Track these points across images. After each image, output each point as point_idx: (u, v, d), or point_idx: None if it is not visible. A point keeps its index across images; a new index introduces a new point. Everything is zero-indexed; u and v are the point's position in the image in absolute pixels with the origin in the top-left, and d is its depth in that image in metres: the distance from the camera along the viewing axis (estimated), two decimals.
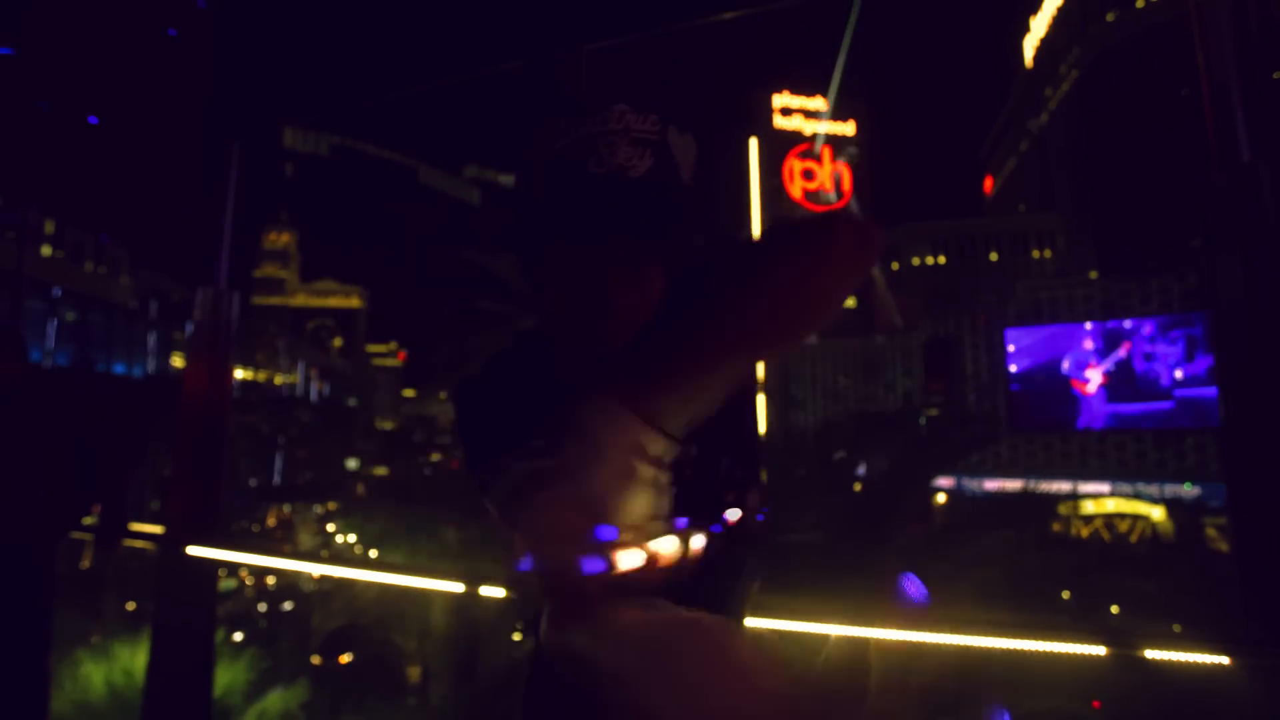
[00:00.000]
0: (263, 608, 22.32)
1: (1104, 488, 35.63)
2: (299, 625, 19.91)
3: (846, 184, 56.94)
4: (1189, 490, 33.34)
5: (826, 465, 9.78)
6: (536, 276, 0.77)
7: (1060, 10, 56.76)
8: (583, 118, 0.71)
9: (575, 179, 0.69)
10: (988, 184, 74.30)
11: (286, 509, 36.83)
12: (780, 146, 55.83)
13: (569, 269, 0.73)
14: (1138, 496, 34.51)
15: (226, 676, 6.98)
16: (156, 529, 2.49)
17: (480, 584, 1.93)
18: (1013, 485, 36.99)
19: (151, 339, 37.67)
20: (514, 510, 0.62)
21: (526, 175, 0.74)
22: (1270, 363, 1.30)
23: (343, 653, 14.50)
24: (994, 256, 61.01)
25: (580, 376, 0.68)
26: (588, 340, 0.74)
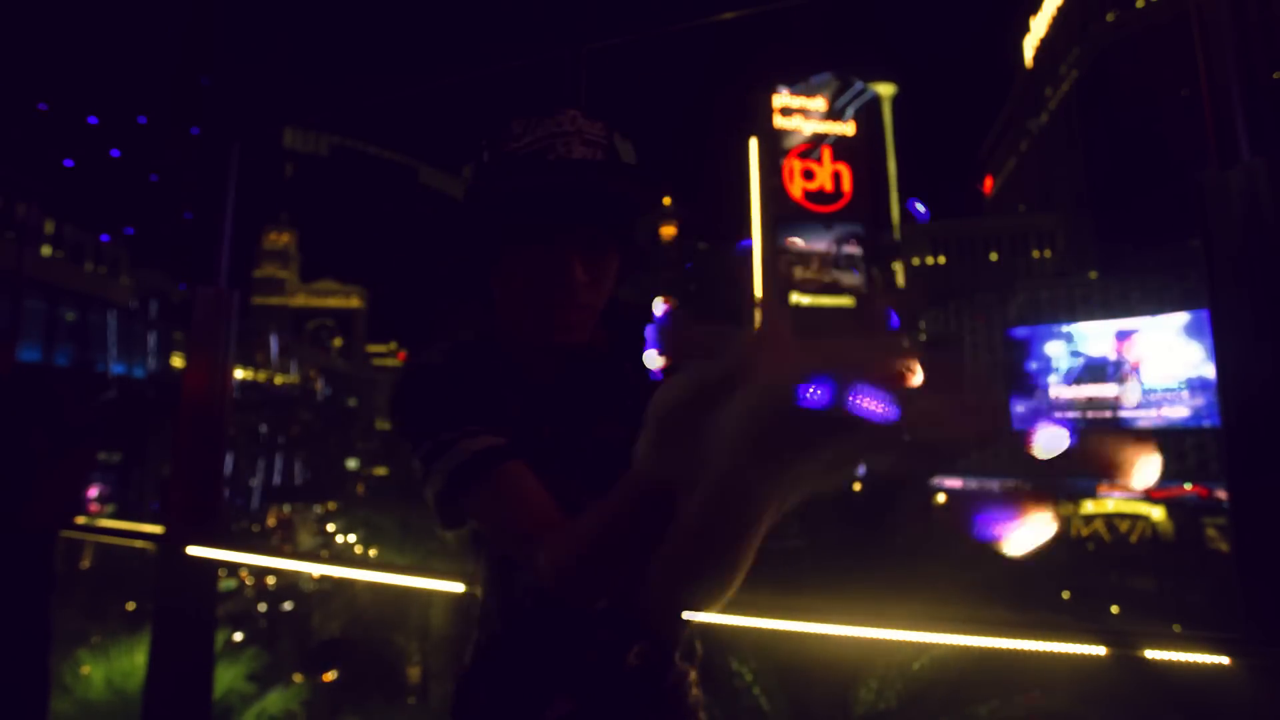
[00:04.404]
0: (263, 608, 22.30)
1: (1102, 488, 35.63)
2: (299, 625, 19.90)
3: (846, 184, 57.01)
4: (1189, 490, 33.33)
5: None
6: (486, 273, 0.84)
7: (1060, 10, 56.73)
8: (538, 120, 0.79)
9: (538, 169, 0.77)
10: (988, 184, 74.28)
11: (286, 509, 36.79)
12: (780, 146, 55.86)
13: (533, 254, 0.79)
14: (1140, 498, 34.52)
15: (227, 676, 6.98)
16: (156, 529, 2.49)
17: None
18: (1013, 485, 36.93)
19: (152, 339, 37.66)
20: (463, 481, 0.76)
21: (481, 173, 0.81)
22: (1270, 363, 1.30)
23: (332, 667, 14.37)
24: (994, 256, 60.97)
25: (528, 372, 0.84)
26: (543, 329, 0.81)
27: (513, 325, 0.84)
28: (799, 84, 58.06)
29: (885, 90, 61.40)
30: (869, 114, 59.09)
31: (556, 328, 0.80)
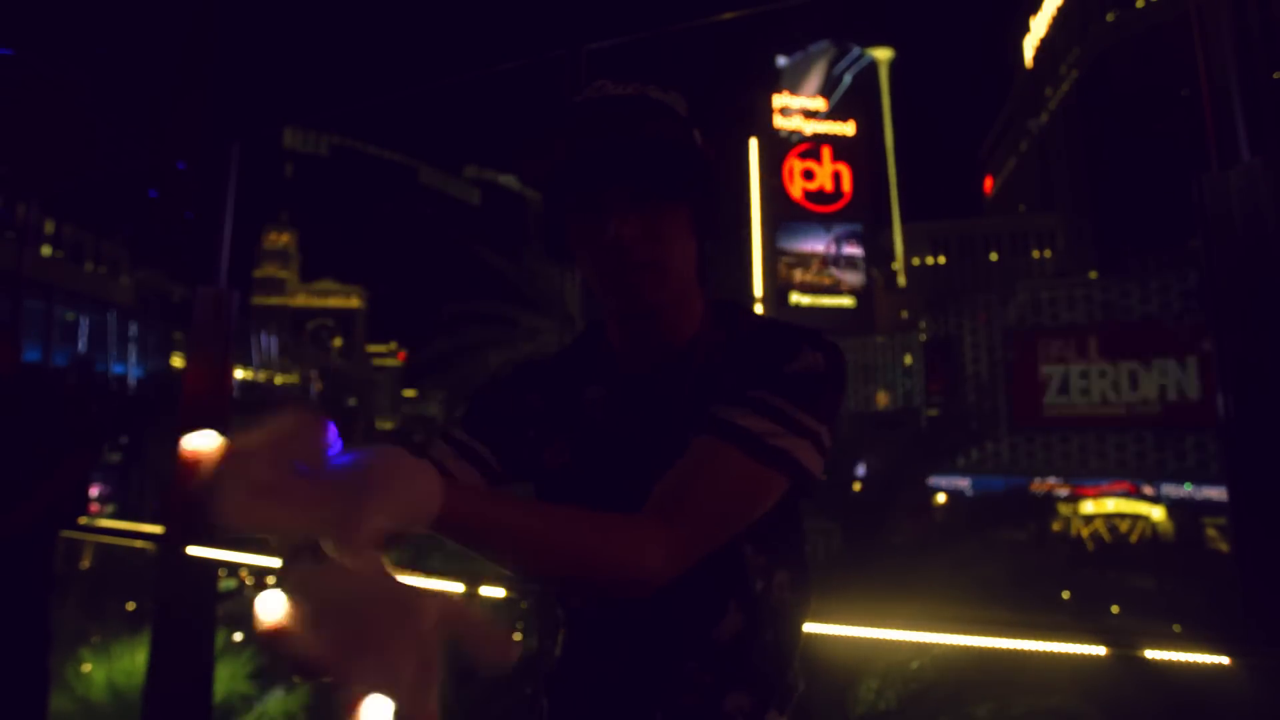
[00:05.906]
0: None
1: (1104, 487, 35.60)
2: None
3: (846, 184, 56.94)
4: (1189, 490, 33.32)
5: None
6: (569, 253, 0.81)
7: (1060, 10, 56.73)
8: (571, 102, 0.77)
9: (565, 138, 0.75)
10: (988, 184, 74.29)
11: None
12: (780, 146, 55.85)
13: (577, 221, 0.77)
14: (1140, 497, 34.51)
15: (227, 677, 6.98)
16: (156, 529, 2.49)
17: (480, 584, 1.93)
18: (1014, 485, 36.98)
19: (152, 339, 37.66)
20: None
21: (539, 163, 0.79)
22: (1270, 363, 1.30)
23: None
24: (994, 256, 61.00)
25: (621, 363, 0.83)
26: (611, 296, 0.78)
27: (603, 304, 0.81)
28: (797, 54, 58.03)
29: (883, 55, 61.28)
30: (869, 112, 59.08)
31: (620, 292, 0.75)
